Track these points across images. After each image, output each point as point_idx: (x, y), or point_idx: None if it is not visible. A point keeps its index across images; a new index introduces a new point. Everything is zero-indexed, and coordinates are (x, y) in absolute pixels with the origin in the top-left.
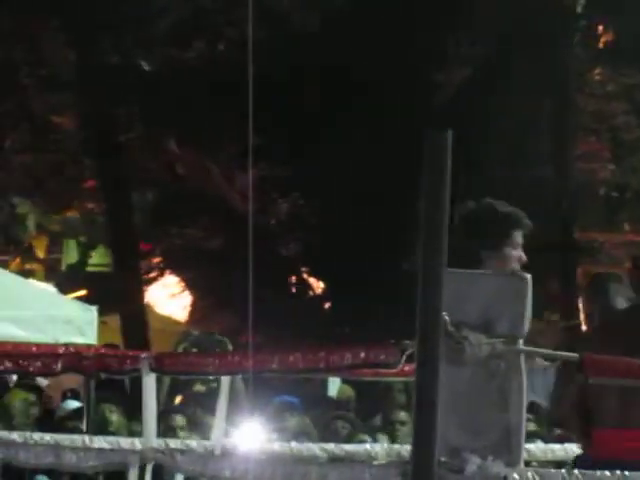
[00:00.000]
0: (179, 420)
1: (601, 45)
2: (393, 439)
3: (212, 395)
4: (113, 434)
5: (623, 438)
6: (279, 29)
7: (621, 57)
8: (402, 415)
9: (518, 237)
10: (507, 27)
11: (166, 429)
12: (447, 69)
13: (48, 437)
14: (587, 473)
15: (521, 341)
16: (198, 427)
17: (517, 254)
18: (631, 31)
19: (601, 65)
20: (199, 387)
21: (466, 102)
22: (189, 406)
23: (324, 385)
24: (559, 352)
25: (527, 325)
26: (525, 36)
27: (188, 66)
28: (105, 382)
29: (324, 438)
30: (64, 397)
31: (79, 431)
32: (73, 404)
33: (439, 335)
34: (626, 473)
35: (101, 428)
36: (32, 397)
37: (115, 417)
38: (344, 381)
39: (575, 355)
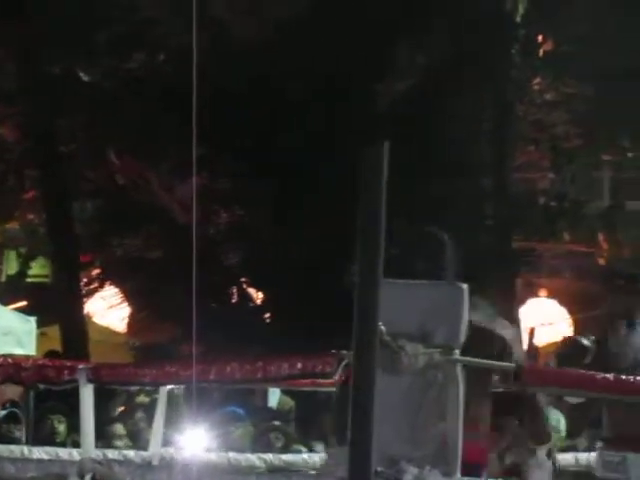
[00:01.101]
0: (119, 429)
1: (541, 54)
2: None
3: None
4: (62, 444)
5: None
6: (221, 39)
7: (561, 67)
8: None
9: None
10: (448, 38)
11: (106, 437)
12: (388, 79)
13: None
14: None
15: (457, 351)
16: (139, 437)
17: None
18: (571, 40)
19: (541, 74)
20: (142, 398)
21: (407, 112)
22: (130, 416)
23: (265, 396)
24: (494, 362)
25: (464, 335)
26: (465, 47)
27: (129, 77)
28: (53, 393)
29: (258, 449)
30: (4, 408)
31: (15, 440)
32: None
33: (375, 345)
34: None
35: (49, 438)
36: None
37: (62, 428)
38: (284, 392)
39: (511, 365)
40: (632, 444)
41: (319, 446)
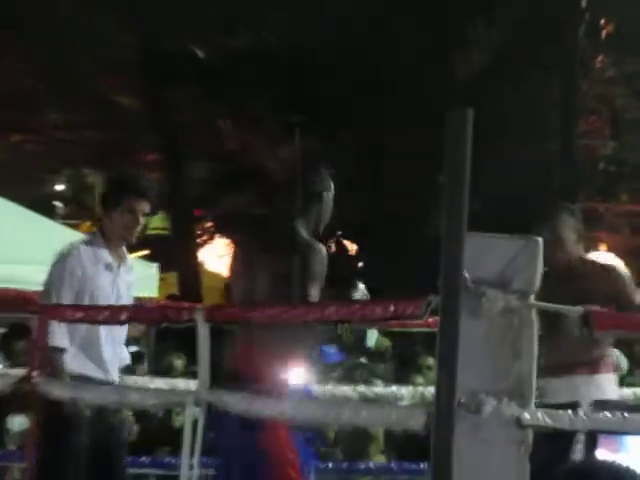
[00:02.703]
0: None
1: (603, 36)
2: (427, 381)
3: None
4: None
5: None
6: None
7: (621, 46)
8: (430, 360)
9: None
10: (521, 17)
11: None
12: (465, 52)
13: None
14: (593, 415)
15: (532, 297)
16: None
17: None
18: (630, 23)
19: (603, 53)
20: None
21: (485, 81)
22: None
23: (363, 337)
24: (566, 306)
25: (538, 284)
26: (537, 28)
27: (235, 53)
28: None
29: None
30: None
31: (139, 373)
32: (132, 350)
33: (460, 290)
34: (626, 415)
35: (168, 373)
36: None
37: (180, 363)
38: (381, 332)
39: (579, 309)
40: None
41: (418, 379)
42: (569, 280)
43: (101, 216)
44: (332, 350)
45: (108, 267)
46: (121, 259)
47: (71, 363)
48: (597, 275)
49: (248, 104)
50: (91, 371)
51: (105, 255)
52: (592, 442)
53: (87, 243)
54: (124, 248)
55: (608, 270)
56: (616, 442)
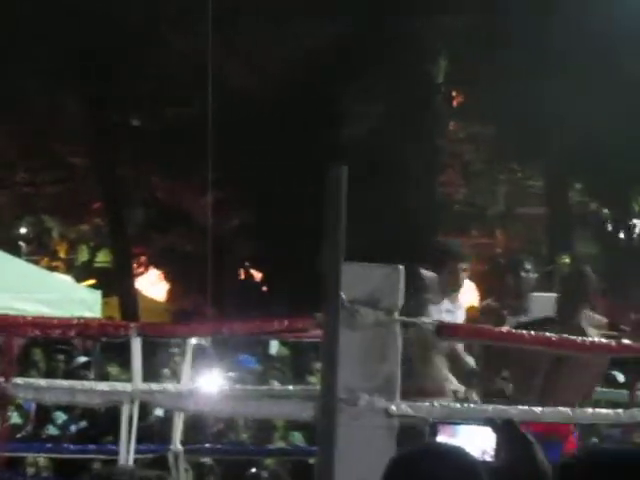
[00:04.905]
0: (166, 372)
1: (455, 105)
2: (318, 381)
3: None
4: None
5: None
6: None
7: (468, 113)
8: (319, 365)
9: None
10: (390, 93)
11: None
12: (345, 123)
13: (66, 383)
14: (447, 406)
15: (396, 313)
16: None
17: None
18: (476, 95)
19: (454, 119)
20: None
21: (362, 145)
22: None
23: (267, 346)
24: (423, 320)
25: (400, 302)
26: (403, 99)
27: (167, 123)
28: (111, 346)
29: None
30: (78, 354)
31: (87, 378)
32: (82, 359)
33: (339, 308)
34: (473, 405)
35: (105, 377)
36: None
37: (115, 370)
38: (281, 343)
39: (434, 321)
40: None
41: (312, 378)
42: None
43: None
44: (250, 358)
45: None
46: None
47: None
48: None
49: (175, 164)
50: None
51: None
52: (433, 431)
53: None
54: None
55: None
56: (452, 429)
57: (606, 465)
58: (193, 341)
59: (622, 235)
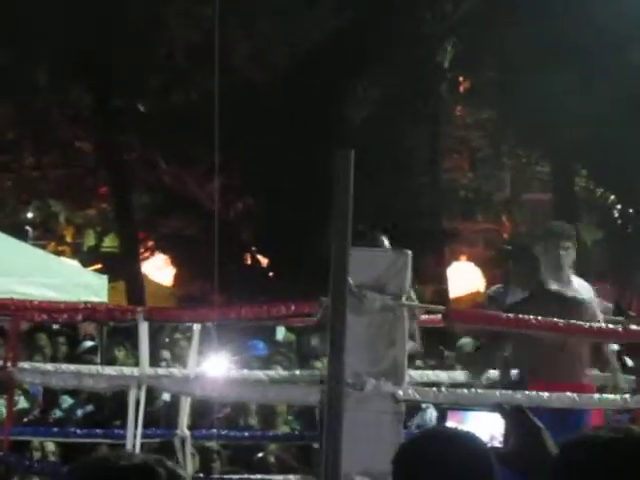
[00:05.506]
0: (165, 354)
1: (461, 90)
2: (324, 366)
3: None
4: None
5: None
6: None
7: (475, 99)
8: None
9: None
10: (394, 79)
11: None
12: (351, 107)
13: (72, 367)
14: (454, 391)
15: (404, 297)
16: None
17: None
18: (483, 80)
19: (461, 104)
20: (178, 334)
21: (367, 131)
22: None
23: (273, 331)
24: (431, 305)
25: (408, 286)
26: (409, 85)
27: (171, 108)
28: (118, 330)
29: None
30: (83, 339)
31: (93, 363)
32: (89, 344)
33: (346, 293)
34: (480, 391)
35: (112, 362)
36: (62, 339)
37: (122, 355)
38: (287, 328)
39: (442, 307)
40: None
41: (318, 363)
42: None
43: None
44: (260, 344)
45: None
46: None
47: None
48: None
49: (181, 148)
50: None
51: None
52: (442, 416)
53: None
54: None
55: None
56: (461, 415)
57: (602, 450)
58: (198, 326)
59: (628, 221)
